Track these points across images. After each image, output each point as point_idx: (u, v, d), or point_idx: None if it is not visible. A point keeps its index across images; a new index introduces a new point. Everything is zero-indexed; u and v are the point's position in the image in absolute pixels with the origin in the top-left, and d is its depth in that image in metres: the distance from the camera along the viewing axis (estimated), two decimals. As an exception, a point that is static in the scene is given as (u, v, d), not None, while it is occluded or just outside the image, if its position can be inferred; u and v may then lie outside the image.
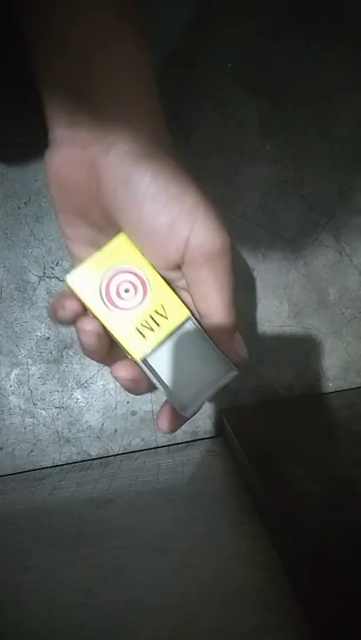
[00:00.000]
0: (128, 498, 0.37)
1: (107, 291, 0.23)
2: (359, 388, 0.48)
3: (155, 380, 0.24)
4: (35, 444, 0.45)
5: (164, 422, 0.24)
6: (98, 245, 0.23)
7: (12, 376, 0.44)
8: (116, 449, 0.46)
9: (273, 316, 0.47)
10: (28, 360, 0.45)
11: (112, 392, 0.46)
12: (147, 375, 0.24)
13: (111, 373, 0.24)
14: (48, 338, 0.45)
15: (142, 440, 0.46)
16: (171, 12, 0.43)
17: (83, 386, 0.45)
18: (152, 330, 0.23)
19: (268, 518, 0.30)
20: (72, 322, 0.24)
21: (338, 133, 0.47)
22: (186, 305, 0.24)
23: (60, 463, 0.46)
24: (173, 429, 0.25)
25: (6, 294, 0.44)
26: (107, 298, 0.23)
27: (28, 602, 0.27)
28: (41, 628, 0.25)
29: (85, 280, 0.23)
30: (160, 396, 0.46)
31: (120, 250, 0.23)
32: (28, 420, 0.45)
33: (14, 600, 0.27)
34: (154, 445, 0.46)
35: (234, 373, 0.24)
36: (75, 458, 0.46)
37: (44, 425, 0.45)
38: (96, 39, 0.20)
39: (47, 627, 0.25)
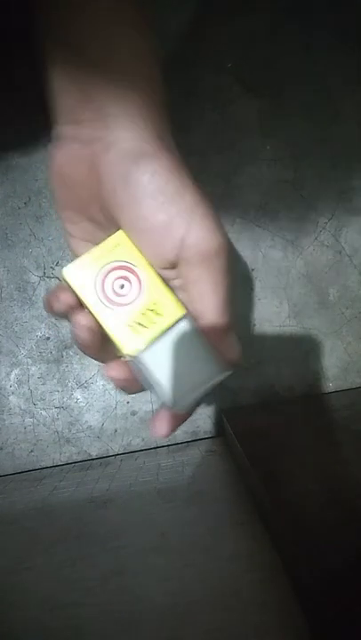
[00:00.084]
0: (128, 498, 0.37)
1: (102, 286, 0.23)
2: (359, 388, 0.48)
3: (146, 378, 0.24)
4: (35, 444, 0.45)
5: (158, 426, 0.25)
6: (97, 242, 0.24)
7: (12, 376, 0.45)
8: (116, 449, 0.46)
9: (273, 316, 0.47)
10: (28, 360, 0.45)
11: (112, 392, 0.46)
12: (138, 373, 0.24)
13: (104, 373, 0.24)
14: (48, 338, 0.45)
15: (142, 440, 0.46)
16: (171, 12, 0.43)
17: (83, 386, 0.45)
18: (145, 327, 0.23)
19: (268, 518, 0.30)
20: (66, 315, 0.24)
21: (338, 133, 0.47)
22: (181, 304, 0.24)
23: (60, 463, 0.46)
24: (168, 433, 0.25)
25: (6, 294, 0.44)
26: (102, 293, 0.23)
27: (28, 602, 0.27)
28: (41, 628, 0.25)
29: (81, 274, 0.23)
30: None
31: (118, 246, 0.23)
32: (28, 420, 0.45)
33: (14, 600, 0.27)
34: (154, 445, 0.46)
35: (226, 373, 0.24)
36: (75, 458, 0.46)
37: (44, 425, 0.45)
38: (96, 29, 0.20)
39: (47, 627, 0.25)
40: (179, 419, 0.25)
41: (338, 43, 0.46)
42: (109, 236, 0.23)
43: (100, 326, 0.24)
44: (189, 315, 0.24)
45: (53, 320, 0.44)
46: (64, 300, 0.23)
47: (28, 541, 0.33)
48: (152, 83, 0.22)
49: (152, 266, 0.23)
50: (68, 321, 0.24)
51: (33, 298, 0.44)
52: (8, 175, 0.43)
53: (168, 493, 0.37)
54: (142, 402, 0.46)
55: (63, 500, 0.38)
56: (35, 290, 0.44)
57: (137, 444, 0.46)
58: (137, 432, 0.46)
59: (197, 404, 0.26)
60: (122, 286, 0.23)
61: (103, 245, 0.23)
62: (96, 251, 0.23)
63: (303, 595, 0.23)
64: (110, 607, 0.26)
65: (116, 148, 0.21)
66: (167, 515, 0.34)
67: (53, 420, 0.45)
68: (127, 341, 0.23)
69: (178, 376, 0.24)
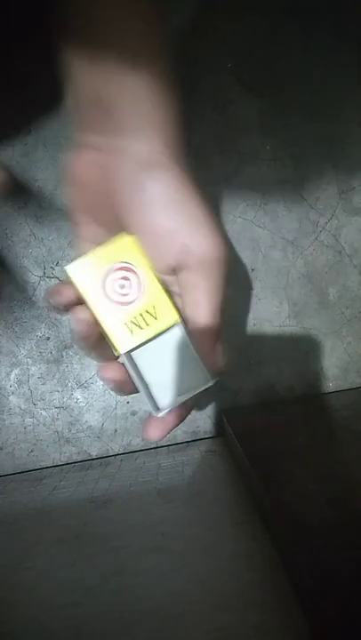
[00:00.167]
0: (128, 498, 0.37)
1: (103, 284, 0.24)
2: (359, 388, 0.48)
3: (134, 377, 0.25)
4: (35, 444, 0.45)
5: (150, 431, 0.25)
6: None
7: (12, 376, 0.45)
8: (116, 449, 0.46)
9: (273, 316, 0.47)
10: (28, 360, 0.45)
11: (112, 392, 0.46)
12: (129, 372, 0.25)
13: (100, 373, 0.25)
14: (48, 338, 0.45)
15: (142, 440, 0.46)
16: (170, 12, 0.43)
17: (83, 386, 0.45)
18: (140, 327, 0.24)
19: (268, 518, 0.30)
20: (67, 309, 0.25)
21: (338, 133, 0.47)
22: (177, 310, 0.25)
23: (60, 463, 0.46)
24: (159, 437, 0.26)
25: (6, 294, 0.44)
26: (102, 290, 0.24)
27: (28, 602, 0.27)
28: (41, 628, 0.25)
29: (85, 271, 0.24)
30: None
31: (123, 248, 0.24)
32: (28, 420, 0.45)
33: (14, 600, 0.27)
34: (154, 445, 0.46)
35: (210, 383, 0.25)
36: (75, 458, 0.46)
37: (43, 425, 0.45)
38: (115, 48, 0.21)
39: (47, 627, 0.25)
40: (169, 424, 0.26)
41: (338, 43, 0.46)
42: (116, 237, 0.24)
43: (97, 322, 0.24)
44: (183, 322, 0.24)
45: (53, 320, 0.44)
46: (65, 294, 0.24)
47: (28, 541, 0.33)
48: (168, 98, 0.23)
49: (154, 270, 0.24)
50: (69, 314, 0.25)
51: (33, 298, 0.44)
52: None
53: (168, 493, 0.37)
54: (142, 402, 0.46)
55: (63, 499, 0.38)
56: (35, 290, 0.44)
57: (137, 444, 0.46)
58: (137, 432, 0.46)
59: (189, 409, 0.27)
60: (122, 286, 0.24)
61: (109, 245, 0.24)
62: (101, 250, 0.24)
63: (303, 595, 0.23)
64: (110, 607, 0.26)
65: (130, 157, 0.22)
66: (167, 515, 0.34)
67: (53, 420, 0.45)
68: (121, 339, 0.24)
69: (164, 380, 0.25)
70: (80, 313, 0.24)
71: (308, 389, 0.47)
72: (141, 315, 0.24)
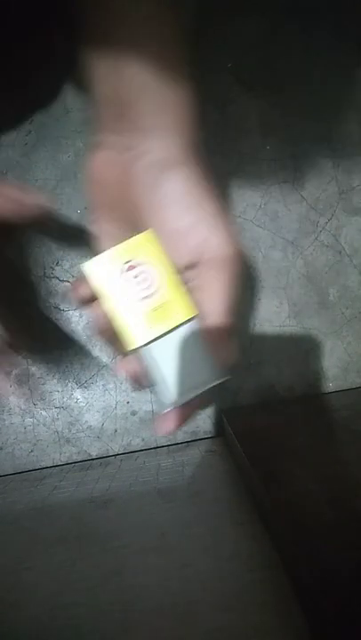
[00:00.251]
0: (128, 498, 0.37)
1: (121, 280, 0.25)
2: (359, 388, 0.48)
3: (148, 370, 0.25)
4: (35, 444, 0.45)
5: (163, 424, 0.26)
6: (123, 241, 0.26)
7: (12, 376, 0.45)
8: (116, 449, 0.46)
9: (273, 315, 0.47)
10: (28, 360, 0.45)
11: (112, 392, 0.46)
12: (145, 367, 0.25)
13: (117, 366, 0.26)
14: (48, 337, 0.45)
15: (142, 440, 0.46)
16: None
17: (83, 386, 0.45)
18: (156, 322, 0.25)
19: (268, 518, 0.30)
20: (87, 302, 0.26)
21: (338, 133, 0.47)
22: (192, 306, 0.25)
23: (60, 463, 0.46)
24: (172, 431, 0.26)
25: (6, 294, 0.44)
26: (119, 286, 0.25)
27: (28, 602, 0.27)
28: (41, 628, 0.25)
29: (103, 268, 0.25)
30: (159, 402, 0.46)
31: (142, 244, 0.25)
32: (28, 420, 0.45)
33: (14, 600, 0.27)
34: (154, 445, 0.46)
35: (223, 378, 0.25)
36: (75, 458, 0.46)
37: (43, 425, 0.45)
38: (136, 49, 0.22)
39: (47, 627, 0.25)
40: (181, 418, 0.26)
41: (338, 43, 0.46)
42: (134, 234, 0.25)
43: (114, 317, 0.25)
44: (197, 318, 0.25)
45: (54, 319, 0.44)
46: (86, 289, 0.25)
47: (28, 541, 0.33)
48: (185, 98, 0.24)
49: (170, 266, 0.25)
50: (89, 308, 0.26)
51: (33, 298, 0.44)
52: (8, 175, 0.43)
53: (168, 493, 0.37)
54: (142, 402, 0.46)
55: (63, 499, 0.38)
56: (35, 290, 0.44)
57: (137, 443, 0.46)
58: (137, 432, 0.46)
59: (202, 403, 0.27)
60: (139, 282, 0.25)
61: (128, 242, 0.25)
62: (119, 247, 0.25)
63: (303, 595, 0.23)
64: (110, 607, 0.26)
65: (147, 156, 0.23)
66: (167, 515, 0.34)
67: (53, 420, 0.45)
68: (136, 333, 0.25)
69: (177, 374, 0.25)
70: (98, 308, 0.25)
71: (308, 389, 0.47)
72: (157, 310, 0.25)
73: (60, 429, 0.45)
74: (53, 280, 0.44)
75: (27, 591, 0.28)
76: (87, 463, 0.45)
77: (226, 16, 0.44)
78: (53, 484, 0.41)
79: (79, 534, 0.33)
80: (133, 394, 0.46)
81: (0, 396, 0.28)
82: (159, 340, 0.25)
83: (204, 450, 0.44)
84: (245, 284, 0.47)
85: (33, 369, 0.45)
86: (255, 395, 0.47)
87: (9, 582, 0.29)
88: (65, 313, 0.44)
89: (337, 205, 0.47)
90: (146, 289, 0.25)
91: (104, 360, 0.45)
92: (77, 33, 0.23)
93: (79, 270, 0.42)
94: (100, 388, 0.45)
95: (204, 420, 0.47)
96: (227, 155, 0.45)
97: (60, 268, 0.44)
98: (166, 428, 0.25)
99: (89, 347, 0.45)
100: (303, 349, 0.47)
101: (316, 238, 0.47)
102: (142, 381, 0.26)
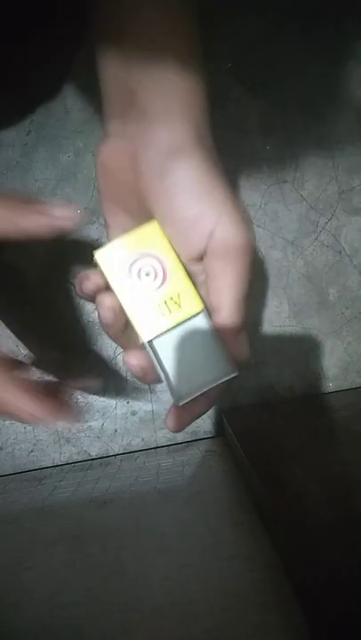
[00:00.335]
0: (128, 498, 0.37)
1: (129, 271, 0.24)
2: (359, 388, 0.48)
3: (157, 365, 0.25)
4: (35, 444, 0.45)
5: (170, 421, 0.25)
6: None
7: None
8: (116, 449, 0.46)
9: (273, 315, 0.47)
10: (29, 360, 0.44)
11: (112, 392, 0.46)
12: (152, 360, 0.25)
13: (123, 359, 0.25)
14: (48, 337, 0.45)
15: (142, 440, 0.46)
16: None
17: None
18: (164, 315, 0.24)
19: (268, 518, 0.30)
20: (94, 295, 0.25)
21: (338, 133, 0.47)
22: (202, 299, 0.24)
23: (60, 463, 0.46)
24: (180, 428, 0.25)
25: (6, 295, 0.44)
26: (128, 277, 0.24)
27: (28, 602, 0.27)
28: (41, 628, 0.25)
29: (112, 258, 0.24)
30: (160, 396, 0.46)
31: (149, 236, 0.24)
32: (28, 420, 0.45)
33: (14, 600, 0.27)
34: (154, 445, 0.46)
35: (233, 374, 0.24)
36: (75, 458, 0.46)
37: (43, 425, 0.45)
38: (145, 33, 0.22)
39: (47, 627, 0.25)
40: (191, 414, 0.25)
41: (338, 43, 0.46)
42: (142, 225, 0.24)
43: (122, 309, 0.25)
44: (207, 311, 0.24)
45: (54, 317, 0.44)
46: (94, 279, 0.25)
47: (28, 541, 0.33)
48: (195, 85, 0.23)
49: (179, 258, 0.24)
50: (95, 302, 0.25)
51: (34, 298, 0.44)
52: (8, 175, 0.43)
53: (168, 493, 0.37)
54: (142, 402, 0.46)
55: (63, 499, 0.38)
56: (35, 289, 0.44)
57: (137, 444, 0.46)
58: (137, 432, 0.46)
59: (208, 403, 0.26)
60: (147, 274, 0.24)
61: (135, 233, 0.24)
62: (128, 237, 0.24)
63: (303, 595, 0.23)
64: (110, 607, 0.26)
65: (155, 144, 0.22)
66: (167, 515, 0.34)
67: (53, 420, 0.45)
68: (144, 326, 0.24)
69: (186, 369, 0.24)
70: (106, 299, 0.24)
71: (308, 389, 0.47)
72: (166, 302, 0.24)
73: (60, 429, 0.45)
74: (53, 280, 0.44)
75: (27, 591, 0.28)
76: (87, 463, 0.45)
77: (226, 16, 0.44)
78: (53, 484, 0.41)
79: (79, 534, 0.33)
80: (133, 394, 0.46)
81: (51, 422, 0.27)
82: (167, 334, 0.24)
83: (204, 450, 0.44)
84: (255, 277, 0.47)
85: (32, 369, 0.45)
86: (255, 395, 0.47)
87: (9, 582, 0.29)
88: (65, 313, 0.44)
89: (337, 205, 0.47)
90: (154, 281, 0.24)
91: (104, 359, 0.45)
92: (86, 25, 0.23)
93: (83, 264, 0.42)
94: (100, 387, 0.45)
95: (204, 420, 0.47)
96: (227, 155, 0.45)
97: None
98: (175, 424, 0.25)
99: (89, 346, 0.45)
100: (303, 349, 0.47)
101: (316, 238, 0.47)
102: (149, 375, 0.25)
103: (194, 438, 0.47)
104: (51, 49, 0.42)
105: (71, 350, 0.45)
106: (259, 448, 0.36)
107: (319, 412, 0.43)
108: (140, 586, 0.27)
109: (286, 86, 0.46)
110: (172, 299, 0.24)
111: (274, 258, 0.47)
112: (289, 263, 0.47)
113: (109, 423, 0.46)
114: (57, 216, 0.25)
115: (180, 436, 0.47)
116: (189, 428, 0.47)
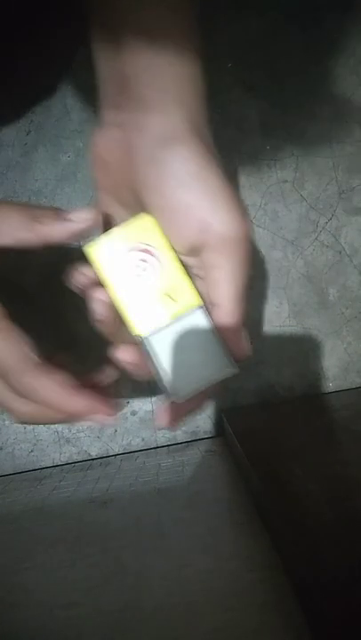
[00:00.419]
0: (128, 498, 0.37)
1: (122, 265, 0.24)
2: (359, 388, 0.48)
3: (152, 361, 0.24)
4: (35, 444, 0.45)
5: (165, 417, 0.24)
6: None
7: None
8: (116, 449, 0.46)
9: (273, 315, 0.47)
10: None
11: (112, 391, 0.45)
12: (147, 357, 0.24)
13: (114, 354, 0.25)
14: (48, 337, 0.45)
15: (142, 440, 0.46)
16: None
17: (83, 386, 0.45)
18: (159, 310, 0.23)
19: (268, 518, 0.30)
20: (87, 289, 0.24)
21: (338, 133, 0.47)
22: (199, 293, 0.24)
23: (60, 463, 0.46)
24: (174, 425, 0.25)
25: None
26: (121, 271, 0.23)
27: (28, 602, 0.27)
28: (41, 628, 0.25)
29: (104, 251, 0.24)
30: (161, 397, 0.46)
31: (143, 228, 0.24)
32: (28, 420, 0.45)
33: (14, 600, 0.27)
34: (154, 445, 0.46)
35: (232, 371, 0.24)
36: (75, 458, 0.46)
37: (43, 425, 0.45)
38: (138, 19, 0.21)
39: (47, 627, 0.25)
40: (184, 411, 0.25)
41: (338, 43, 0.46)
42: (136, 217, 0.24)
43: (116, 304, 0.24)
44: (204, 307, 0.24)
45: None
46: (87, 273, 0.24)
47: (28, 541, 0.33)
48: (191, 73, 0.22)
49: (174, 251, 0.24)
50: (88, 296, 0.24)
51: (34, 298, 0.44)
52: (8, 175, 0.43)
53: (168, 493, 0.37)
54: (142, 402, 0.46)
55: (63, 499, 0.38)
56: (35, 289, 0.44)
57: (137, 444, 0.46)
58: (137, 432, 0.46)
59: (203, 400, 0.26)
60: (142, 268, 0.24)
61: (128, 226, 0.24)
62: (120, 230, 0.24)
63: (303, 595, 0.23)
64: (110, 607, 0.26)
65: (148, 131, 0.22)
66: (167, 515, 0.34)
67: (53, 420, 0.45)
68: (138, 321, 0.23)
69: (182, 365, 0.24)
70: (99, 294, 0.24)
71: (308, 389, 0.47)
72: (161, 297, 0.23)
73: (59, 429, 0.45)
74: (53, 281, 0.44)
75: (27, 591, 0.28)
76: (87, 463, 0.45)
77: (226, 16, 0.44)
78: (53, 484, 0.41)
79: (79, 534, 0.33)
80: (134, 394, 0.46)
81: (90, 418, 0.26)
82: (163, 330, 0.23)
83: (204, 450, 0.44)
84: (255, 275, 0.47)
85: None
86: (255, 395, 0.47)
87: (9, 582, 0.29)
88: (64, 313, 0.44)
89: (337, 205, 0.47)
90: (148, 275, 0.23)
91: (104, 359, 0.45)
92: (85, 8, 0.22)
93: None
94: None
95: (204, 420, 0.47)
96: (227, 155, 0.45)
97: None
98: (167, 421, 0.24)
99: (88, 345, 0.45)
100: (303, 349, 0.47)
101: (316, 238, 0.47)
102: (141, 370, 0.25)
103: (194, 438, 0.47)
104: (51, 49, 0.42)
105: (72, 350, 0.45)
106: (259, 448, 0.36)
107: (319, 412, 0.43)
108: (140, 586, 0.27)
109: (286, 86, 0.46)
110: (167, 293, 0.23)
111: (274, 258, 0.47)
112: (289, 263, 0.47)
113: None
114: (74, 220, 0.24)
115: (181, 436, 0.47)
116: (189, 428, 0.47)
